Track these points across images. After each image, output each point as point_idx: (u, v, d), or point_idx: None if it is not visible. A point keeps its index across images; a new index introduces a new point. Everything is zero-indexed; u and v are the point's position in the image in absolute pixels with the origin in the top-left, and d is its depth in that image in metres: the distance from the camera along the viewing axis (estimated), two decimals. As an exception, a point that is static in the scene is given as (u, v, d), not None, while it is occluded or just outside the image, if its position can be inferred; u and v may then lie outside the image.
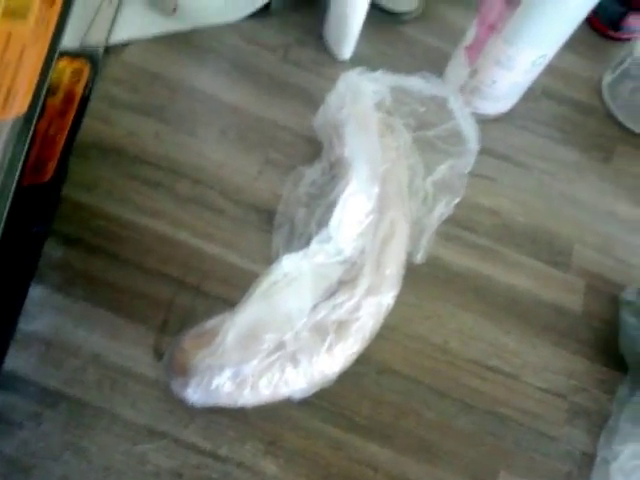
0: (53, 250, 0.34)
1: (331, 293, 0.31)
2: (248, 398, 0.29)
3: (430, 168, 0.38)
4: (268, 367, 0.29)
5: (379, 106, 0.38)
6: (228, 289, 0.35)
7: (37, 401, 0.30)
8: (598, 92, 0.50)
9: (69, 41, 0.38)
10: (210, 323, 0.30)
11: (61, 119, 0.32)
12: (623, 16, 0.50)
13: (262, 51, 0.44)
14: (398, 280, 0.34)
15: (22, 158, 0.25)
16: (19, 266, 0.30)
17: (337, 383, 0.33)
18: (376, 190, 0.32)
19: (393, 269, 0.33)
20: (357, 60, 0.46)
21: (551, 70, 0.50)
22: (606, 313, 0.40)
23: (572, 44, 0.52)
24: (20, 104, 0.26)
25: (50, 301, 0.33)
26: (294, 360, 0.29)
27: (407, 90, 0.39)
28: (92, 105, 0.38)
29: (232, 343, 0.29)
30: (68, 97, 0.33)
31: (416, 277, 0.38)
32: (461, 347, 0.37)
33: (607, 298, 0.41)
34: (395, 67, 0.41)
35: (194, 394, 0.29)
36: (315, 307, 0.31)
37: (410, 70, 0.41)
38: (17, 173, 0.24)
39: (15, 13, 0.26)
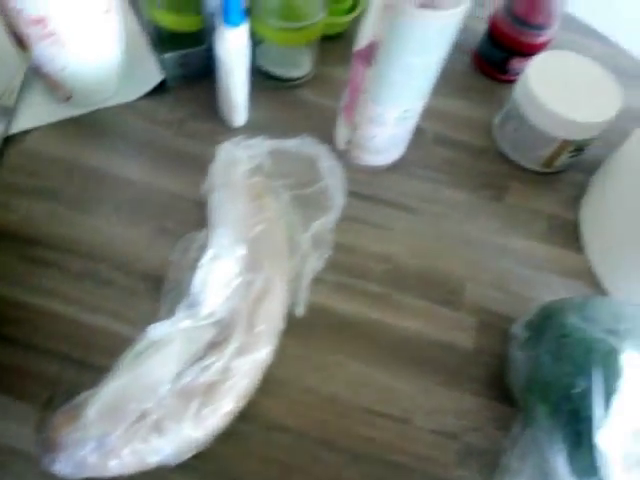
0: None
1: (199, 357, 0.33)
2: (115, 469, 0.30)
3: (307, 225, 0.40)
4: (131, 437, 0.30)
5: (258, 170, 0.41)
6: (113, 360, 0.37)
7: None
8: (490, 133, 0.53)
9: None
10: (79, 398, 0.32)
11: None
12: (506, 59, 0.54)
13: (157, 127, 0.48)
14: (274, 336, 0.35)
15: None
16: None
17: (222, 444, 0.34)
18: (242, 252, 0.35)
19: (267, 326, 0.35)
20: (252, 126, 0.49)
21: (442, 116, 0.53)
22: (497, 348, 0.41)
23: (463, 90, 0.56)
24: None
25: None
26: (158, 428, 0.31)
27: (286, 152, 0.42)
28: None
29: (96, 416, 0.30)
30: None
31: (306, 329, 0.40)
32: (351, 396, 0.38)
33: (499, 333, 0.42)
34: (292, 130, 0.44)
35: (63, 468, 0.30)
36: (182, 372, 0.32)
37: (306, 132, 0.44)
38: None
39: None
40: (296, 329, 0.40)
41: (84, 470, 0.30)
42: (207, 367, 0.32)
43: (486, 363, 0.41)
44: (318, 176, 0.41)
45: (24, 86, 0.47)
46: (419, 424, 0.38)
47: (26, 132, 0.46)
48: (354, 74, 0.42)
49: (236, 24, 0.38)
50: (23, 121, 0.45)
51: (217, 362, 0.33)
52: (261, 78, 0.51)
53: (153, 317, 0.38)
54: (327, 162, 0.40)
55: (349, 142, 0.47)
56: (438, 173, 0.50)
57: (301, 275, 0.38)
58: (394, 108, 0.40)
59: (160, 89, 0.49)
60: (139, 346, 0.33)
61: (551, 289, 0.45)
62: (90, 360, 0.37)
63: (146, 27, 0.46)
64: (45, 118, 0.45)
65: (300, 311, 0.39)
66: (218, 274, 0.34)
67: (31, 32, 0.38)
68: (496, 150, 0.52)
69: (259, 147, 0.40)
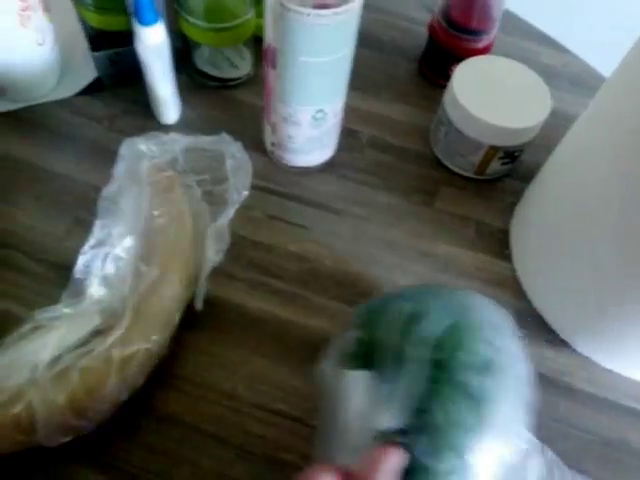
0: None
1: (83, 343, 0.34)
2: None
3: (214, 219, 0.41)
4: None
5: (170, 165, 0.42)
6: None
7: None
8: (427, 139, 0.53)
9: None
10: None
11: None
12: (447, 65, 0.54)
13: (89, 122, 0.49)
14: (162, 329, 0.36)
15: None
16: None
17: (113, 431, 0.35)
18: (130, 243, 0.35)
19: (155, 318, 0.35)
20: (184, 125, 0.50)
21: (381, 120, 0.54)
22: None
23: (405, 95, 0.56)
24: None
25: None
26: (31, 408, 0.31)
27: (202, 149, 0.43)
28: None
29: None
30: None
31: (214, 325, 0.41)
32: (249, 393, 0.39)
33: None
34: (224, 130, 0.45)
35: None
36: (61, 356, 0.33)
37: (239, 132, 0.44)
38: None
39: None
40: (204, 324, 0.40)
41: None
42: (87, 353, 0.33)
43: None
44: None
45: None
46: (313, 423, 0.38)
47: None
48: (265, 75, 0.42)
49: (149, 23, 0.40)
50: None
51: (98, 348, 0.33)
52: (200, 78, 0.53)
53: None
54: (233, 159, 0.41)
55: (273, 143, 0.47)
56: (370, 176, 0.50)
57: (200, 269, 0.39)
58: (305, 108, 0.41)
59: (97, 87, 0.50)
60: (24, 329, 0.33)
61: (470, 295, 0.44)
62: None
63: (84, 26, 0.48)
64: (-21, 111, 0.47)
65: (199, 305, 0.39)
66: (102, 263, 0.35)
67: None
68: (432, 156, 0.52)
69: (173, 143, 0.41)
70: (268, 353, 0.40)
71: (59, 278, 0.41)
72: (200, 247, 0.40)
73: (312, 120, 0.43)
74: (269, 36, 0.37)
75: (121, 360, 0.34)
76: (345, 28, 0.35)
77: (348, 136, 0.51)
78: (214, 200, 0.42)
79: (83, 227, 0.43)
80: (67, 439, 0.33)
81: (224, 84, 0.53)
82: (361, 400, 0.28)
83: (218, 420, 0.38)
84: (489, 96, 0.46)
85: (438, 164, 0.51)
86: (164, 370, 0.38)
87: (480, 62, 0.48)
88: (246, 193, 0.42)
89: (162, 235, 0.38)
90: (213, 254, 0.38)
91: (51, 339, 0.33)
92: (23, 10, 0.41)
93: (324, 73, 0.39)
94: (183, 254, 0.38)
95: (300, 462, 0.36)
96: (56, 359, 0.33)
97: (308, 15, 0.33)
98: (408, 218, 0.48)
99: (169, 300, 0.37)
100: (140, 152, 0.40)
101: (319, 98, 0.41)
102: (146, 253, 0.37)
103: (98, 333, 0.34)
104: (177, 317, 0.37)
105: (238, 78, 0.53)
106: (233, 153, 0.41)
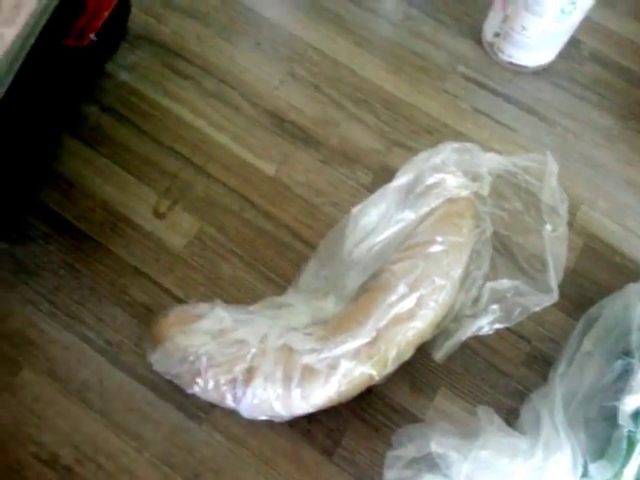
0: (91, 113, 0.43)
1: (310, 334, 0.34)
2: (197, 389, 0.33)
3: (497, 273, 0.37)
4: (219, 368, 0.32)
5: (475, 187, 0.38)
6: (228, 175, 0.43)
7: (50, 225, 0.40)
8: (655, 64, 0.51)
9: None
10: (200, 307, 0.35)
11: None
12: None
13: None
14: (393, 361, 0.34)
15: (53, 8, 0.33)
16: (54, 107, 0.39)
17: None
18: (395, 265, 0.35)
19: (393, 349, 0.34)
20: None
21: (608, 34, 0.52)
22: (597, 275, 0.43)
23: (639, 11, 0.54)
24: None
25: (79, 152, 0.42)
26: (249, 373, 0.32)
27: (513, 183, 0.39)
28: (147, 3, 0.47)
29: (205, 331, 0.33)
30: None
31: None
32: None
33: (604, 261, 0.43)
34: (437, 11, 0.44)
35: (156, 362, 0.34)
36: (289, 335, 0.34)
37: (457, 17, 0.44)
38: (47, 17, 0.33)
39: None
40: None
41: (172, 375, 0.34)
42: (315, 350, 0.33)
43: (582, 285, 0.42)
44: (535, 234, 0.37)
45: None
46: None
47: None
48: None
49: None
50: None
51: (326, 352, 0.33)
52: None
53: (271, 150, 0.44)
54: (554, 233, 0.36)
55: (497, 34, 0.48)
56: (587, 91, 0.49)
57: (459, 320, 0.36)
58: (560, -4, 0.41)
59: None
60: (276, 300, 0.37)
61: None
62: (208, 169, 0.43)
63: None
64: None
65: (440, 357, 0.37)
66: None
67: None
68: (657, 83, 0.50)
69: (476, 157, 0.38)
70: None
71: (271, 126, 0.45)
72: (465, 290, 0.37)
73: (559, 13, 0.42)
74: None
75: (343, 372, 0.33)
76: None
77: (569, 44, 0.50)
78: (503, 248, 0.39)
79: (296, 81, 0.47)
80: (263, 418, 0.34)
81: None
82: None
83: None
84: None
85: (662, 93, 0.50)
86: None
87: None
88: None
89: (435, 263, 0.35)
90: (486, 322, 0.35)
91: (296, 317, 0.35)
92: None
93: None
94: (448, 292, 0.35)
95: (479, 348, 0.39)
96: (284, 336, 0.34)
97: None
98: (618, 143, 0.48)
99: (415, 334, 0.35)
100: (436, 165, 0.37)
101: (581, -13, 0.40)
102: (408, 273, 0.35)
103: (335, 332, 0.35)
104: (409, 355, 0.36)
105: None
106: (552, 190, 0.37)
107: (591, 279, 0.42)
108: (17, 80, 0.30)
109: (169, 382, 0.35)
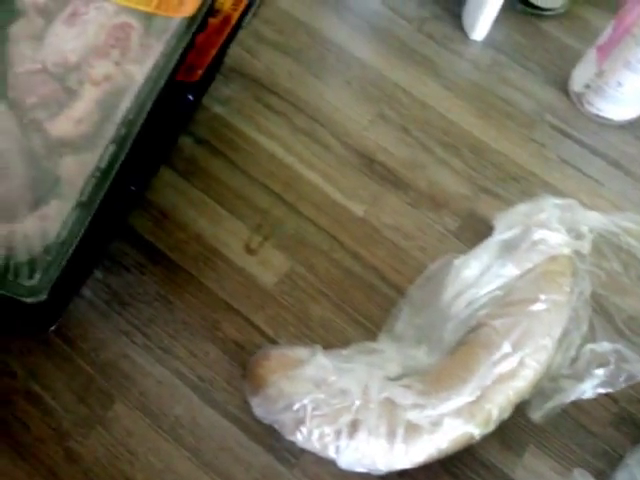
0: (185, 145, 0.44)
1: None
2: (299, 439, 0.33)
3: (595, 334, 0.37)
4: (328, 422, 0.32)
5: (576, 245, 0.38)
6: (318, 214, 0.43)
7: (145, 255, 0.40)
8: None
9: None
10: (299, 351, 0.36)
11: (216, 36, 0.42)
12: None
13: (399, 19, 0.52)
14: (493, 422, 0.34)
15: (181, 50, 0.34)
16: (159, 136, 0.39)
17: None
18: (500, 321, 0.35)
19: (495, 408, 0.34)
20: (488, 43, 0.52)
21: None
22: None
23: None
24: (189, 8, 0.36)
25: (174, 183, 0.43)
26: (352, 426, 0.32)
27: (613, 243, 0.39)
28: (241, 36, 0.48)
29: (307, 378, 0.33)
30: (225, 20, 0.43)
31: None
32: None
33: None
34: (524, 58, 0.45)
35: (257, 405, 0.34)
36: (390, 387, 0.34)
37: (539, 65, 0.45)
38: (176, 59, 0.34)
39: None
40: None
41: (272, 420, 0.34)
42: (418, 406, 0.33)
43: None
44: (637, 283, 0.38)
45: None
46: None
47: (281, -8, 0.52)
48: (626, 12, 0.42)
49: None
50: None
51: (430, 409, 0.33)
52: (517, 2, 0.54)
53: (360, 191, 0.44)
54: None
55: (588, 86, 0.48)
56: (672, 148, 0.50)
57: (559, 382, 0.36)
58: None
59: (412, -16, 0.53)
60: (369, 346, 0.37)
61: None
62: (298, 206, 0.43)
63: None
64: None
65: (538, 418, 0.36)
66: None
67: None
68: None
69: (577, 214, 0.38)
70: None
71: (360, 166, 0.45)
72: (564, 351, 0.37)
73: (659, 71, 0.43)
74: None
75: (445, 430, 0.33)
76: None
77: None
78: (600, 308, 0.39)
79: (385, 122, 0.47)
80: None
81: (537, 12, 0.53)
82: None
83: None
84: None
85: None
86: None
87: None
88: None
89: (537, 321, 0.35)
90: (590, 386, 0.35)
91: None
92: None
93: None
94: (549, 352, 0.35)
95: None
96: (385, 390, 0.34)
97: None
98: None
99: (516, 394, 0.34)
100: (541, 221, 0.38)
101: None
102: (510, 330, 0.35)
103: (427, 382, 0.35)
104: (508, 414, 0.35)
105: (551, 9, 0.53)
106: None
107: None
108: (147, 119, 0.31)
109: (259, 423, 0.35)
